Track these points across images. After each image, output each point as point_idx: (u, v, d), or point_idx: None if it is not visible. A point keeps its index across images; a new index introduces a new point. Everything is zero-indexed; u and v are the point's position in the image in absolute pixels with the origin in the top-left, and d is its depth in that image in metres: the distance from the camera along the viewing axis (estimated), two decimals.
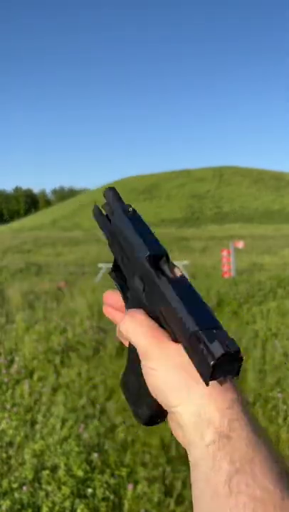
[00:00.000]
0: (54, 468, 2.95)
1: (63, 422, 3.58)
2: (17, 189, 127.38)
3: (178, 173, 76.16)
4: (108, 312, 0.58)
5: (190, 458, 0.42)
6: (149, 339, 0.46)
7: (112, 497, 2.68)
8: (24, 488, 2.75)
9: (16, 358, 5.07)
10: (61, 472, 2.86)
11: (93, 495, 2.69)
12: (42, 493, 2.70)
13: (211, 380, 0.40)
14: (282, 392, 4.05)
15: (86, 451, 3.09)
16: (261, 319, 6.58)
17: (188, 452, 0.43)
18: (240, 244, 12.72)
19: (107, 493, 2.70)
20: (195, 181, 68.95)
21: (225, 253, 10.91)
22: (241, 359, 0.41)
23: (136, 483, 2.81)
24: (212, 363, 0.38)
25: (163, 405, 0.45)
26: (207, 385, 0.40)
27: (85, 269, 12.83)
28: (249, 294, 8.25)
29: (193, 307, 0.43)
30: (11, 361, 5.07)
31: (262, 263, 13.43)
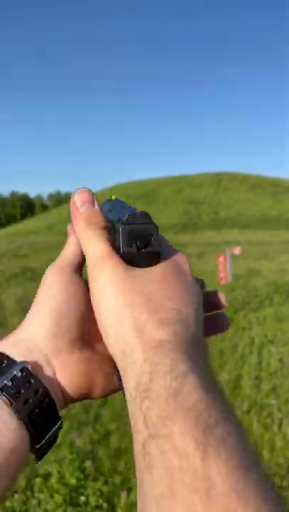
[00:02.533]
0: (47, 476, 2.92)
1: None
2: (13, 193, 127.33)
3: (175, 178, 76.35)
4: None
5: None
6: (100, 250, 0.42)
7: (105, 505, 2.65)
8: (16, 495, 2.72)
9: None
10: (54, 480, 2.83)
11: (86, 503, 2.66)
12: (34, 501, 2.67)
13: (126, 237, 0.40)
14: (278, 399, 4.03)
15: (79, 459, 3.06)
16: (257, 326, 6.56)
17: None
18: (237, 250, 12.73)
19: (100, 500, 2.67)
20: (193, 187, 69.12)
21: (222, 259, 10.91)
22: (152, 227, 0.41)
23: (129, 490, 2.78)
24: (125, 217, 0.41)
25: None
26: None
27: None
28: (245, 300, 8.24)
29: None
30: None
31: (259, 269, 13.42)
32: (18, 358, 0.40)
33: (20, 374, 0.39)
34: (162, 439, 0.28)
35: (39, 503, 2.67)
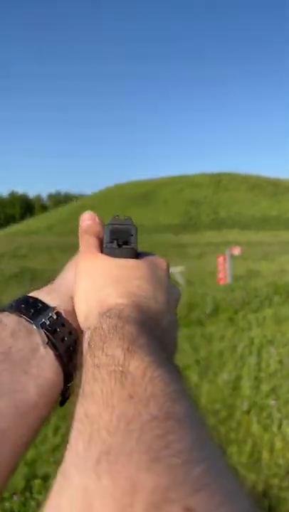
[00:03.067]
0: (46, 477, 2.91)
1: (56, 429, 3.54)
2: (13, 194, 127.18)
3: (175, 178, 76.35)
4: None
5: None
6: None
7: None
8: (15, 497, 2.71)
9: None
10: (53, 481, 2.81)
11: None
12: (33, 503, 2.66)
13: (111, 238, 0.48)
14: (278, 399, 4.02)
15: None
16: (257, 326, 6.56)
17: None
18: (237, 251, 12.72)
19: None
20: (192, 187, 69.11)
21: (221, 259, 10.90)
22: (131, 228, 0.48)
23: None
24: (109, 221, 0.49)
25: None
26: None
27: None
28: (245, 301, 8.23)
29: None
30: None
31: (258, 270, 13.42)
32: (51, 304, 0.46)
33: (55, 316, 0.45)
34: (98, 351, 0.34)
35: (38, 505, 2.65)
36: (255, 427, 3.56)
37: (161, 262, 0.50)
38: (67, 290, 0.48)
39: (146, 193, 67.59)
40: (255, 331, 6.26)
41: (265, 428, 3.58)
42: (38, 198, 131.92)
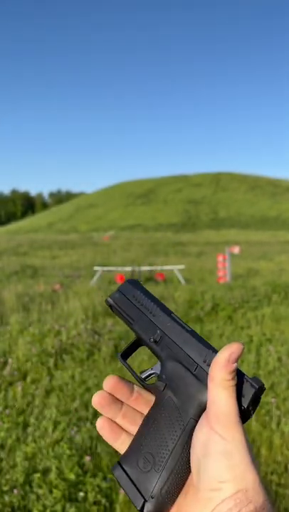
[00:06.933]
0: (45, 472, 2.93)
1: (56, 424, 3.56)
2: (14, 191, 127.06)
3: (175, 178, 76.35)
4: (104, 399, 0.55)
5: None
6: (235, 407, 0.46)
7: (103, 501, 2.65)
8: (15, 491, 2.72)
9: (10, 360, 5.04)
10: (53, 475, 2.83)
11: (85, 498, 2.67)
12: (33, 497, 2.68)
13: (248, 410, 0.47)
14: (276, 397, 4.04)
15: (78, 455, 3.06)
16: (256, 324, 6.58)
17: None
18: (236, 250, 12.75)
19: (99, 496, 2.67)
20: (192, 186, 69.12)
21: (221, 258, 10.91)
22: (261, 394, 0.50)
23: None
24: (256, 387, 0.49)
25: (204, 480, 0.44)
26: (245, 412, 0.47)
27: (80, 272, 12.80)
28: (244, 299, 8.25)
29: None
30: (5, 363, 5.04)
31: (257, 269, 13.43)
32: None
33: None
34: None
35: (38, 499, 2.67)
36: (254, 425, 3.58)
37: None
38: None
39: (146, 192, 67.56)
40: (254, 329, 6.28)
41: (264, 425, 3.60)
42: (40, 196, 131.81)
